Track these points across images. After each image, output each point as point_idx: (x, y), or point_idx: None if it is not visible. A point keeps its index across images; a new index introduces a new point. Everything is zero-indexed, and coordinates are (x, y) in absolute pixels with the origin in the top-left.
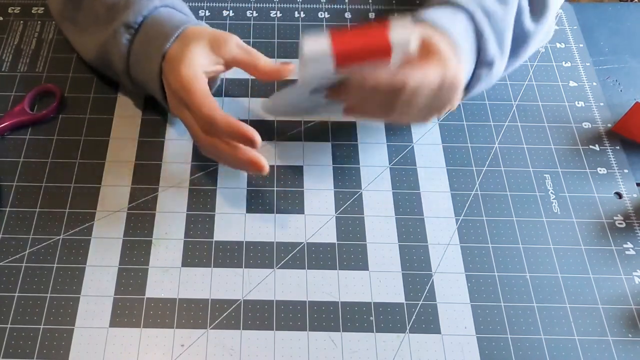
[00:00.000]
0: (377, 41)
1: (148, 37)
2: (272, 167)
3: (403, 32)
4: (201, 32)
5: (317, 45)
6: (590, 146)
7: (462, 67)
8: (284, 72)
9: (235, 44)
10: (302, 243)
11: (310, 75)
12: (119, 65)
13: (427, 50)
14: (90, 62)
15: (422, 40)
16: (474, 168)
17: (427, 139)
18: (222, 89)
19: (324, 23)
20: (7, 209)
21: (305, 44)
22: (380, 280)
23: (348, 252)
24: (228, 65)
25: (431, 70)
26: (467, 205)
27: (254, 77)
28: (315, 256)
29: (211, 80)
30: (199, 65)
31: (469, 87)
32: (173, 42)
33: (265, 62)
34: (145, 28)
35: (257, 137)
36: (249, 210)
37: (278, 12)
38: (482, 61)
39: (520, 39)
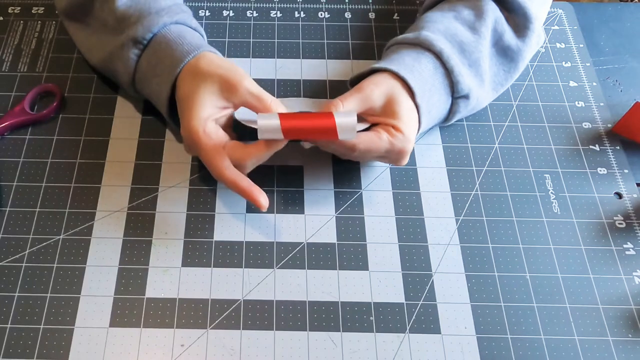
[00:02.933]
0: (325, 124)
1: (157, 57)
2: (272, 167)
3: (347, 119)
4: (212, 71)
5: (269, 121)
6: (590, 146)
7: (412, 137)
8: (259, 200)
9: (246, 90)
10: (302, 243)
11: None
12: (124, 77)
13: (390, 111)
14: (94, 65)
15: (387, 99)
16: (474, 168)
17: (427, 139)
18: None
19: (324, 23)
20: (7, 209)
21: (259, 120)
22: (380, 280)
23: (348, 252)
24: (237, 107)
25: (381, 142)
26: (467, 205)
27: (254, 78)
28: (315, 256)
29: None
30: (207, 117)
31: (448, 118)
32: (186, 63)
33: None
34: (154, 46)
35: (263, 201)
36: (249, 210)
37: (278, 12)
38: (457, 95)
39: (509, 57)
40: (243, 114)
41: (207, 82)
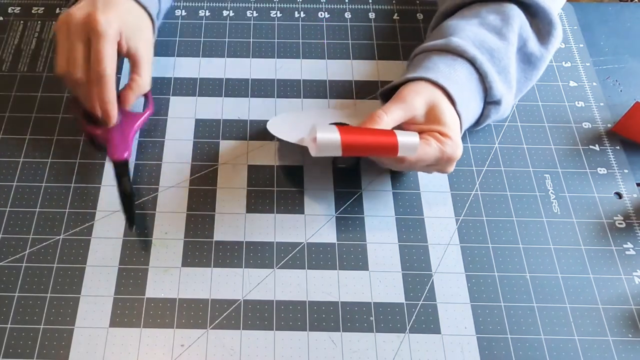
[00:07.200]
0: (386, 142)
1: None
2: (272, 167)
3: (410, 139)
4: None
5: (328, 136)
6: (590, 146)
7: (460, 142)
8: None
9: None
10: (302, 243)
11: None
12: None
13: (433, 118)
14: None
15: (429, 107)
16: (474, 168)
17: None
18: (222, 89)
19: (324, 23)
20: (7, 209)
21: (318, 134)
22: (380, 280)
23: (348, 252)
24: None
25: (431, 150)
26: (467, 205)
27: (254, 78)
28: (315, 256)
29: None
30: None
31: (478, 122)
32: None
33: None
34: None
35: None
36: (249, 210)
37: (278, 12)
38: (490, 100)
39: (532, 64)
40: (276, 125)
41: (127, 15)
